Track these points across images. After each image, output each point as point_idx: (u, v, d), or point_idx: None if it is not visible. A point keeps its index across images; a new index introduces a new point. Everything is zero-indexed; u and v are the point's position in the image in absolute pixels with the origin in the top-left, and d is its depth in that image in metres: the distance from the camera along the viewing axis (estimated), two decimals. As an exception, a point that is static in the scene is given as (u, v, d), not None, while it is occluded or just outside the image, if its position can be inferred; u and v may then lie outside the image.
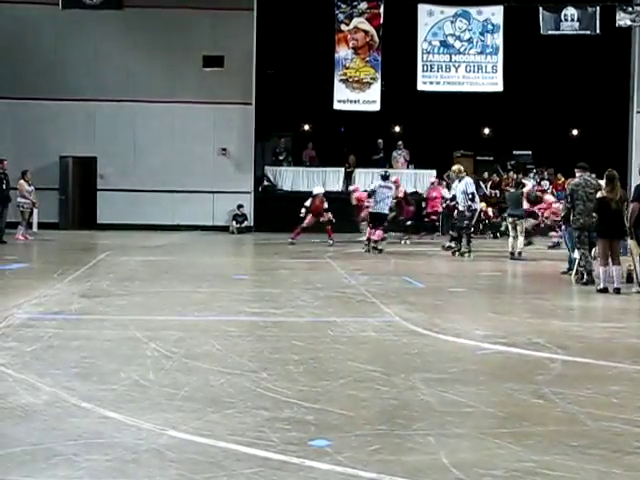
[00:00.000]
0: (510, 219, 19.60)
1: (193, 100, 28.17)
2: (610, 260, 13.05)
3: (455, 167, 21.16)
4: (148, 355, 7.85)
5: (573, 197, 14.35)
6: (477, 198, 20.96)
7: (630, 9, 27.26)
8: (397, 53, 27.89)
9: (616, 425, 5.75)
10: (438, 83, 28.33)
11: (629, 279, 13.65)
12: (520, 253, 18.96)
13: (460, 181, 20.21)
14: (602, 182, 14.21)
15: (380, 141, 30.59)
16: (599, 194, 13.43)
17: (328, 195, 23.32)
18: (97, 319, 9.92)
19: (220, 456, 5.01)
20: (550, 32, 27.70)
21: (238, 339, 8.83)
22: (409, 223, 24.43)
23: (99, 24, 27.88)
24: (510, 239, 19.40)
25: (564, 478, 4.73)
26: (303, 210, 22.18)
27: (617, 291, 12.86)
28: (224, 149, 28.63)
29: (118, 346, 8.34)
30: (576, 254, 14.47)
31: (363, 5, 28.09)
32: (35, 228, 23.87)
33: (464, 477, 4.71)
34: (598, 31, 27.49)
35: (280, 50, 29.67)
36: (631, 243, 13.32)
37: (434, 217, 25.73)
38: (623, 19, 27.34)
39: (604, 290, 12.88)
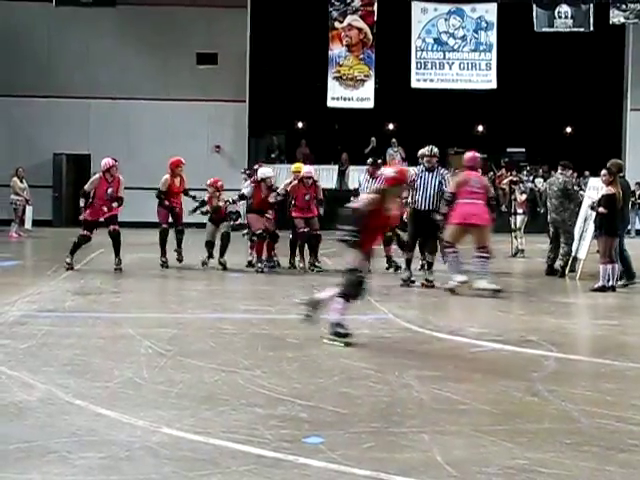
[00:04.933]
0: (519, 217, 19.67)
1: (187, 97, 28.16)
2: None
3: (431, 148, 13.51)
4: (142, 352, 7.84)
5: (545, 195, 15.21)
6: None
7: (624, 6, 27.29)
8: (391, 50, 27.90)
9: (610, 422, 5.75)
10: (432, 80, 28.35)
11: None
12: (523, 250, 19.12)
13: (432, 171, 13.40)
14: (594, 180, 14.36)
15: (373, 139, 30.53)
16: (605, 191, 13.24)
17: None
18: (91, 317, 9.91)
19: (214, 453, 5.01)
20: (544, 29, 27.72)
21: (232, 336, 8.81)
22: None
23: (92, 21, 27.84)
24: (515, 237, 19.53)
25: (558, 475, 4.73)
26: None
27: (612, 289, 12.84)
28: (218, 146, 28.64)
29: (112, 344, 8.33)
30: None
31: (357, 2, 28.08)
32: (29, 225, 23.81)
33: (458, 474, 4.71)
34: (592, 28, 27.51)
35: (274, 47, 29.70)
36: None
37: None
38: (617, 16, 27.37)
39: (601, 289, 12.79)
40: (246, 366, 7.30)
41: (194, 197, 15.87)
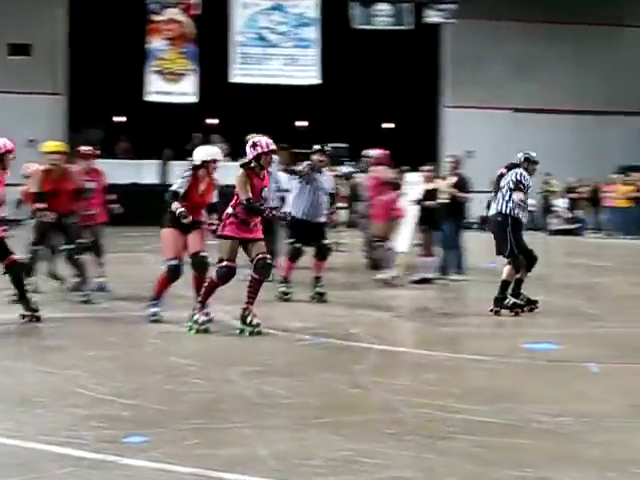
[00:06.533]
0: None
1: (-2, 89, 27.19)
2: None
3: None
4: (-47, 355, 7.52)
5: None
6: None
7: (441, 6, 27.97)
8: (214, 44, 27.75)
9: (429, 412, 5.88)
10: (253, 75, 28.37)
11: None
12: (343, 244, 19.36)
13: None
14: (411, 175, 14.78)
15: (197, 135, 30.23)
16: (429, 186, 13.70)
17: (144, 188, 22.79)
18: None
19: (31, 457, 4.85)
20: (362, 26, 28.15)
21: (49, 337, 8.57)
22: None
23: None
24: None
25: (380, 465, 4.80)
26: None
27: (429, 281, 13.18)
28: (32, 140, 27.74)
29: None
30: None
31: (177, -5, 27.83)
32: None
33: (281, 468, 4.72)
34: (411, 26, 28.12)
35: (93, 39, 29.02)
36: None
37: None
38: (433, 16, 28.04)
39: (422, 281, 13.11)
40: (66, 366, 7.10)
41: None
